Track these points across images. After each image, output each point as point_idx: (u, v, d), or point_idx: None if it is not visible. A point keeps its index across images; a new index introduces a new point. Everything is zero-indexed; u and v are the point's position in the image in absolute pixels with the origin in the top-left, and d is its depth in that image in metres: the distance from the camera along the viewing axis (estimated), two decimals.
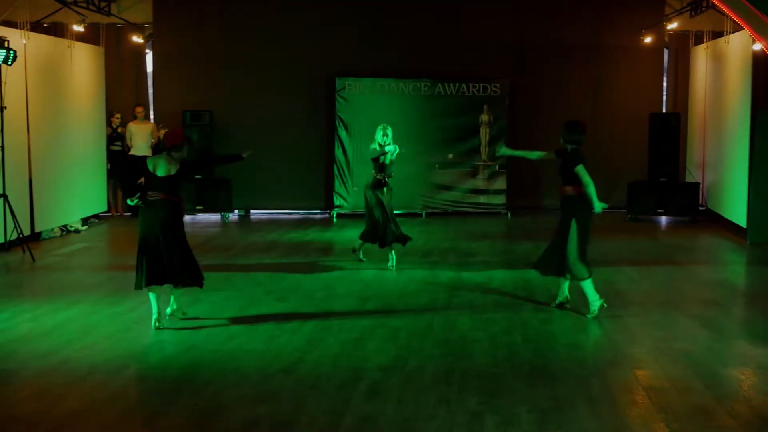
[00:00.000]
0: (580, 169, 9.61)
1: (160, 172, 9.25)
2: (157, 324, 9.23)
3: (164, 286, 9.37)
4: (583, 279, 9.75)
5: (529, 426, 6.47)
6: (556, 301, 10.21)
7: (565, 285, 10.11)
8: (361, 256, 13.32)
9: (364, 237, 13.08)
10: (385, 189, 12.82)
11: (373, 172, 12.88)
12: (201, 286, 9.57)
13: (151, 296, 9.31)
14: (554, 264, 9.93)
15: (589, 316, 9.68)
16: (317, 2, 19.14)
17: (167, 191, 9.24)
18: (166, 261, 9.20)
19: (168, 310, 9.61)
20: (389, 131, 12.77)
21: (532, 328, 9.32)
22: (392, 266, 13.00)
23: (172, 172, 9.28)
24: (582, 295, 9.94)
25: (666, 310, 10.12)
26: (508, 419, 6.60)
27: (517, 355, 8.35)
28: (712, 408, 6.85)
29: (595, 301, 9.74)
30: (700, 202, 18.07)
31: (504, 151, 10.93)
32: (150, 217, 9.22)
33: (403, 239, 12.98)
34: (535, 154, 10.56)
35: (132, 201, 9.33)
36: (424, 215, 18.71)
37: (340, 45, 19.06)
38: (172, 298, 9.58)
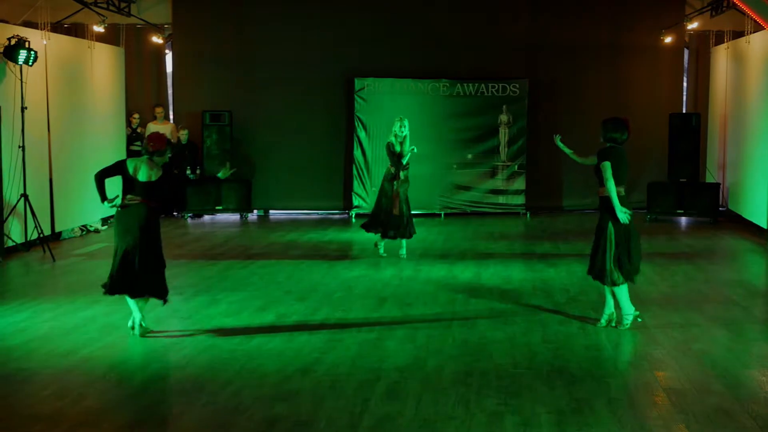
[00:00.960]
0: (604, 166, 9.13)
1: (142, 177, 8.90)
2: (136, 329, 8.94)
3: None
4: (617, 285, 9.17)
5: (549, 427, 6.46)
6: (602, 322, 9.37)
7: (611, 300, 9.36)
8: (382, 252, 13.48)
9: (366, 226, 13.60)
10: (400, 181, 13.10)
11: (389, 165, 13.21)
12: (164, 301, 9.17)
13: (129, 299, 8.97)
14: (595, 268, 9.36)
15: (621, 328, 9.20)
16: (336, 2, 19.15)
17: (147, 196, 8.92)
18: (136, 269, 8.84)
19: (129, 322, 9.13)
20: (406, 123, 13.13)
21: (551, 329, 9.29)
22: (403, 254, 13.45)
23: (153, 178, 8.94)
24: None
25: (685, 311, 10.08)
26: (527, 420, 6.58)
27: (536, 356, 8.34)
28: (732, 409, 6.82)
29: (629, 314, 9.21)
30: (720, 203, 17.99)
31: (560, 143, 10.22)
32: (128, 221, 8.90)
33: (408, 234, 13.46)
34: (578, 158, 10.00)
35: (110, 204, 8.96)
36: (442, 216, 18.69)
37: (359, 45, 19.06)
38: (136, 308, 9.05)
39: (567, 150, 10.12)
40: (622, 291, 9.24)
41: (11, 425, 6.54)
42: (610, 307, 9.38)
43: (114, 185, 9.01)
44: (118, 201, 8.97)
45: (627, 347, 8.71)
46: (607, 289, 9.37)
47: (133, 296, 8.95)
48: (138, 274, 8.88)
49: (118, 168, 9.03)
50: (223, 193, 18.50)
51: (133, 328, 9.00)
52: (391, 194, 13.19)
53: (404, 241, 13.52)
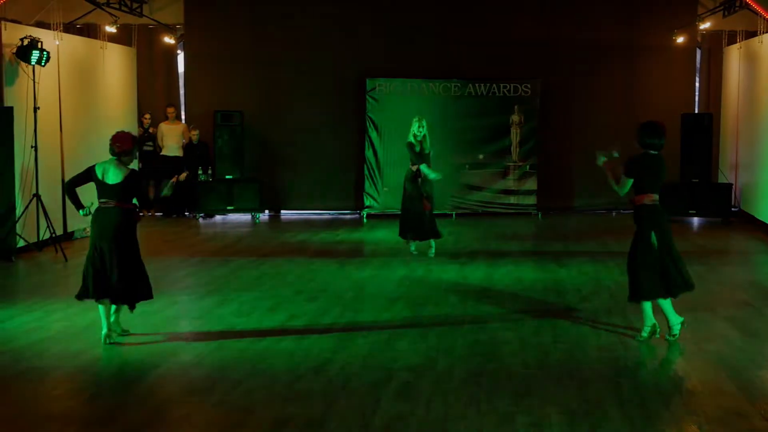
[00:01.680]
0: (624, 182, 8.86)
1: (111, 179, 8.73)
2: (108, 340, 8.71)
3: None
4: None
5: (560, 427, 6.44)
6: (644, 334, 8.83)
7: (650, 310, 8.86)
8: (413, 249, 13.79)
9: (401, 233, 13.72)
10: (420, 180, 13.19)
11: (410, 165, 13.39)
12: (133, 304, 8.91)
13: (101, 309, 8.77)
14: (640, 289, 8.80)
15: (669, 339, 8.76)
16: (348, 3, 19.15)
17: (118, 198, 8.77)
18: (112, 274, 8.71)
19: (103, 333, 8.87)
20: (425, 123, 13.34)
21: (562, 330, 9.27)
22: (432, 254, 13.59)
23: (121, 179, 8.75)
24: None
25: (698, 312, 10.03)
26: (538, 420, 6.57)
27: (547, 357, 8.32)
28: (745, 410, 6.79)
29: (676, 323, 8.77)
30: (732, 203, 17.93)
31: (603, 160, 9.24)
32: (101, 224, 8.79)
33: (435, 234, 13.56)
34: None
35: (84, 213, 8.94)
36: (454, 216, 18.66)
37: (371, 45, 19.06)
38: (111, 312, 8.89)
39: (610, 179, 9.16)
40: (666, 301, 8.84)
41: (23, 424, 6.55)
42: (650, 318, 8.86)
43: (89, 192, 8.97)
44: (95, 206, 8.88)
45: (639, 348, 8.66)
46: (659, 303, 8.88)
47: (114, 302, 8.80)
48: (117, 279, 8.73)
49: (87, 175, 8.86)
50: (235, 194, 18.51)
51: (109, 337, 8.75)
52: (411, 193, 13.29)
53: (432, 242, 13.60)
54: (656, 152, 9.09)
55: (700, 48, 19.54)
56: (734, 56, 18.36)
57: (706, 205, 17.79)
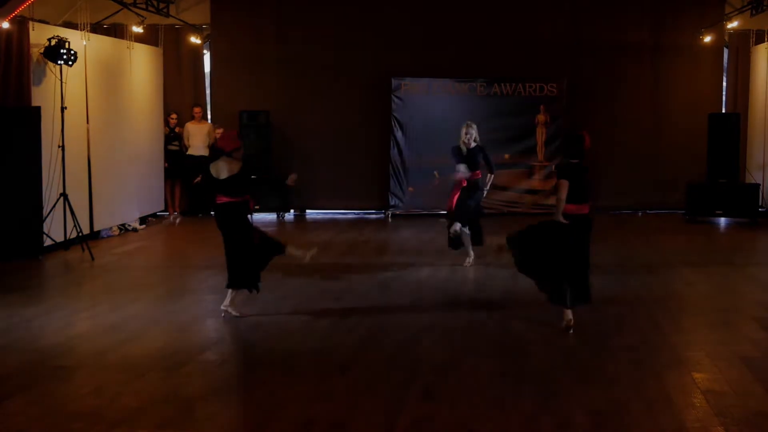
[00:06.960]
0: (560, 184, 9.49)
1: (223, 175, 9.53)
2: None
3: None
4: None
5: (585, 428, 6.42)
6: None
7: None
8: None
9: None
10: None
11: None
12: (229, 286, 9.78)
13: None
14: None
15: None
16: (373, 2, 19.16)
17: (229, 193, 9.56)
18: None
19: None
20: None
21: (587, 330, 9.24)
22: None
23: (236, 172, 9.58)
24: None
25: (724, 313, 9.98)
26: (563, 421, 6.54)
27: (572, 357, 8.29)
28: None
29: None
30: (760, 204, 17.80)
31: None
32: (221, 219, 9.67)
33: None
34: None
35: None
36: None
37: (396, 45, 19.05)
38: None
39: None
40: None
41: (50, 423, 6.58)
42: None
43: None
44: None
45: (665, 349, 8.62)
46: None
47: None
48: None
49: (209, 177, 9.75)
50: (260, 193, 18.50)
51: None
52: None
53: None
54: (577, 161, 9.41)
55: (727, 47, 19.42)
56: (762, 56, 18.23)
57: (733, 205, 17.66)
